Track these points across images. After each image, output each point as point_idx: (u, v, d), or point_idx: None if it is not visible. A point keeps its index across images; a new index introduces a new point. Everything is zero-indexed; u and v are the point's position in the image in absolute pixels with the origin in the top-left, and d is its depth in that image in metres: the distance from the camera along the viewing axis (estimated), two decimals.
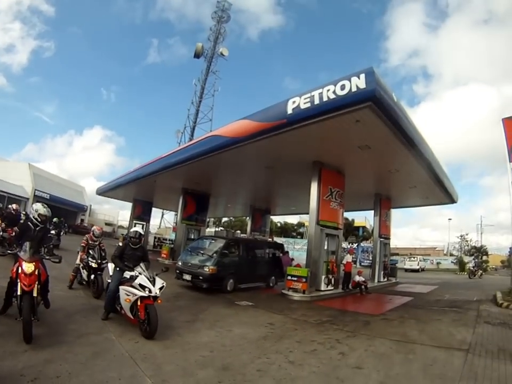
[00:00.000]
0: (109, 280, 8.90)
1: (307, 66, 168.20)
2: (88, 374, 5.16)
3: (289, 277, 15.20)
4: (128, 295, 7.52)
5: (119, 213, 67.95)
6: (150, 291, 7.29)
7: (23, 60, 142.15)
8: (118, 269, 8.30)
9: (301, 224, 71.53)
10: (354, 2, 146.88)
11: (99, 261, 10.90)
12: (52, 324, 7.29)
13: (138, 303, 7.34)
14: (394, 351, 7.66)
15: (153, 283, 7.49)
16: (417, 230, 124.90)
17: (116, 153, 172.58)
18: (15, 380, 4.72)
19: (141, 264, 7.93)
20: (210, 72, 62.34)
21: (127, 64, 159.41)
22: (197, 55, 62.44)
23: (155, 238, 44.66)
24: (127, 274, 7.89)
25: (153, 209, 42.21)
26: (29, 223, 7.36)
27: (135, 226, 35.95)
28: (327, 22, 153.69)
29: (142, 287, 7.33)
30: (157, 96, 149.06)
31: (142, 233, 8.97)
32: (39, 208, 7.42)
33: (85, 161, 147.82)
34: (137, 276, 7.57)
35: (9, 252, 7.12)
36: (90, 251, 11.39)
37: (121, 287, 7.81)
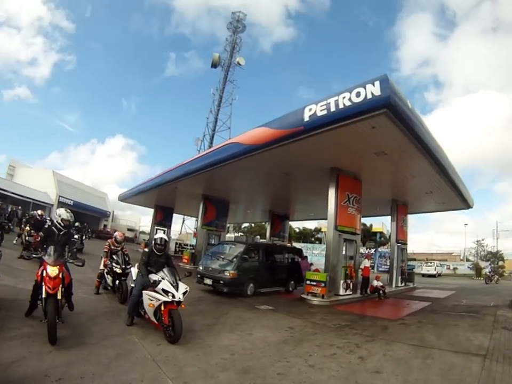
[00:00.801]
0: (133, 285, 8.90)
1: (320, 76, 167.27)
2: (111, 375, 5.21)
3: (308, 282, 15.13)
4: (151, 300, 7.51)
5: (141, 218, 68.44)
6: (173, 296, 7.27)
7: (45, 73, 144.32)
8: (141, 274, 8.29)
9: (318, 230, 71.37)
10: (361, 15, 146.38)
11: (123, 266, 10.87)
12: (75, 326, 7.36)
13: (162, 308, 7.33)
14: (412, 355, 7.57)
15: (177, 288, 7.47)
16: (433, 236, 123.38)
17: (138, 161, 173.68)
18: (39, 380, 4.78)
19: (164, 269, 7.92)
20: (227, 81, 62.69)
21: (146, 77, 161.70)
22: (214, 65, 63.02)
23: (176, 243, 44.82)
24: (151, 279, 7.82)
25: (174, 215, 42.43)
26: (53, 227, 7.41)
27: (156, 232, 36.37)
28: (337, 34, 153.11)
29: (165, 292, 7.31)
30: (176, 106, 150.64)
31: (167, 239, 8.91)
32: (62, 213, 7.50)
33: (107, 169, 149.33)
34: (160, 281, 7.54)
35: (34, 255, 7.21)
36: (113, 256, 11.38)
37: (144, 292, 7.80)
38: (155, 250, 8.40)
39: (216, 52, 63.96)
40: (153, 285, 7.60)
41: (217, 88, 63.24)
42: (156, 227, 37.71)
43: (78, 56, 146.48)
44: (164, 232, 36.41)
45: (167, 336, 7.20)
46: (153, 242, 8.51)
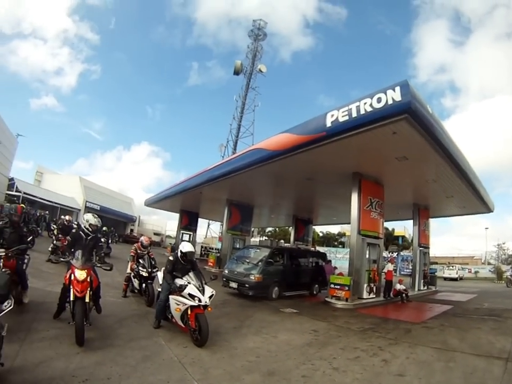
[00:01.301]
0: (159, 289, 8.90)
1: (338, 84, 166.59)
2: (138, 377, 5.26)
3: (332, 285, 15.11)
4: (178, 305, 7.52)
5: (166, 223, 68.65)
6: (199, 300, 7.26)
7: (71, 82, 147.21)
8: (167, 282, 8.21)
9: (342, 234, 71.11)
10: (378, 24, 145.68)
11: (149, 270, 10.93)
12: (103, 328, 7.44)
13: (189, 312, 7.33)
14: (435, 359, 7.50)
15: (203, 292, 7.46)
16: (454, 239, 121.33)
17: (163, 167, 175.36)
18: (67, 380, 4.83)
19: (190, 274, 7.93)
20: (250, 88, 62.63)
21: (170, 85, 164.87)
22: (236, 72, 63.02)
23: (202, 247, 45.04)
24: (177, 283, 7.79)
25: (200, 219, 42.43)
26: (80, 232, 7.45)
27: (182, 237, 36.56)
28: (355, 42, 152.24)
29: (192, 296, 7.31)
30: (200, 114, 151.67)
31: (194, 251, 8.91)
32: (90, 218, 7.53)
33: (133, 175, 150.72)
34: (187, 286, 7.53)
35: (62, 259, 7.36)
36: (140, 260, 11.44)
37: (171, 297, 7.80)
38: (181, 260, 8.37)
39: (237, 60, 64.14)
40: (179, 290, 7.59)
41: (240, 95, 63.14)
42: (182, 231, 38.15)
43: (103, 66, 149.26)
44: (189, 237, 36.77)
45: (194, 339, 7.20)
46: (179, 252, 8.41)
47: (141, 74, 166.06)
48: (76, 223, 20.74)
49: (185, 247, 8.50)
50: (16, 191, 36.02)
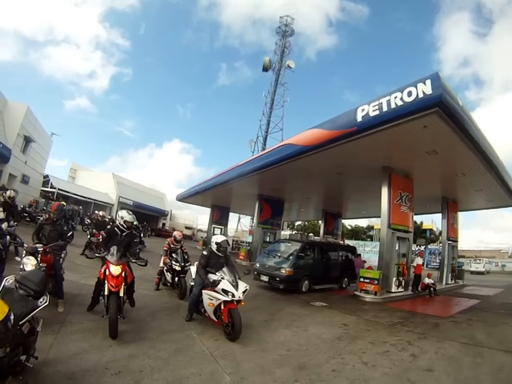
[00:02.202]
0: (192, 283, 8.90)
1: (363, 80, 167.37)
2: (170, 370, 5.23)
3: (361, 279, 14.99)
4: (211, 300, 7.47)
5: (198, 217, 69.42)
6: (233, 295, 7.20)
7: (104, 84, 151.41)
8: (200, 277, 8.17)
9: (370, 227, 70.74)
10: (398, 22, 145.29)
11: (182, 264, 10.89)
12: (136, 321, 7.45)
13: (222, 307, 7.28)
14: (463, 354, 7.40)
15: (236, 287, 7.40)
16: (481, 233, 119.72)
17: (194, 164, 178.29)
18: (100, 372, 4.83)
19: (224, 269, 7.85)
20: (278, 84, 62.46)
21: (200, 86, 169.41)
22: (265, 69, 62.74)
23: (233, 240, 45.30)
24: (210, 278, 7.74)
25: (230, 214, 42.56)
26: (115, 228, 7.46)
27: (214, 230, 36.73)
28: (378, 39, 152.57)
29: (225, 291, 7.25)
30: (230, 112, 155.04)
31: (227, 240, 8.82)
32: (125, 215, 7.50)
33: (165, 171, 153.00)
34: (220, 281, 7.47)
35: (97, 255, 7.43)
36: (173, 254, 11.45)
37: (204, 291, 7.75)
38: (217, 252, 8.31)
39: (266, 57, 63.98)
40: (213, 285, 7.53)
41: (269, 90, 62.73)
42: (213, 225, 38.52)
43: (134, 68, 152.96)
44: (221, 231, 36.96)
45: (227, 334, 7.15)
46: (215, 245, 8.35)
47: (171, 76, 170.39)
48: (109, 217, 20.95)
49: (219, 237, 8.55)
50: (50, 188, 37.20)
